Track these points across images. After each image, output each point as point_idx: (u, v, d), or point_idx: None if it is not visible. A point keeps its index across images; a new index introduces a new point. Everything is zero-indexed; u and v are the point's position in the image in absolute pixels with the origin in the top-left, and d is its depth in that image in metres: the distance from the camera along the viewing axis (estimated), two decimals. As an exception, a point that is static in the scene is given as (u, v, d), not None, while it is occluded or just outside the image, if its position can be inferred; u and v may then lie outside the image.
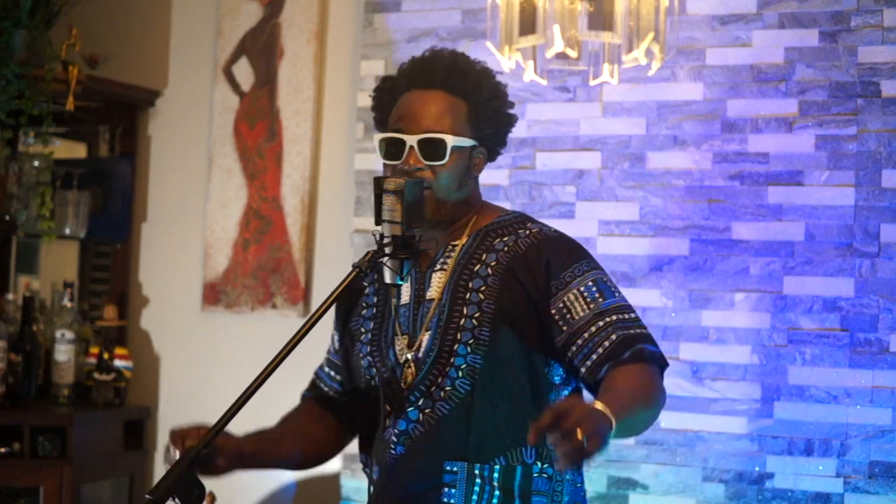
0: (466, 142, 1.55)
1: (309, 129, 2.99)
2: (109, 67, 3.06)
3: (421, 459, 1.50)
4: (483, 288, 1.53)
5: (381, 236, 1.47)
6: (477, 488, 1.49)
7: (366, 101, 2.99)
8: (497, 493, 1.49)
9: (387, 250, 1.46)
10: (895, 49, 2.46)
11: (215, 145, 3.10)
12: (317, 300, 2.97)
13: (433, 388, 1.51)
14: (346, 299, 1.63)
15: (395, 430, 1.52)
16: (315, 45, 3.00)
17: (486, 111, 1.57)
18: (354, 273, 1.47)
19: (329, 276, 2.98)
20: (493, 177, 2.75)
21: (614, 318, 1.50)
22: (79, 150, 3.26)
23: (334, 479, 2.89)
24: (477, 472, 1.49)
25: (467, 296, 1.52)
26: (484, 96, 1.57)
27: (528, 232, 1.57)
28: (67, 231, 3.03)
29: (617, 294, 1.54)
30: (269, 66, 3.04)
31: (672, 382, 2.58)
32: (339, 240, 2.95)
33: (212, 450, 1.42)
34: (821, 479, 2.45)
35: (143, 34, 3.21)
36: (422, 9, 2.86)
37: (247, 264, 3.03)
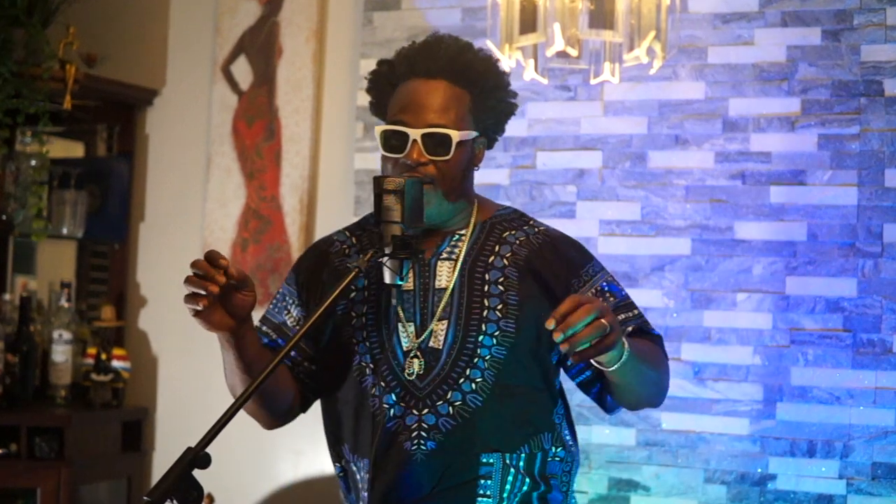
0: (470, 134, 1.54)
1: (308, 128, 2.98)
2: (107, 66, 3.04)
3: (456, 453, 1.49)
4: (502, 280, 1.53)
5: (381, 236, 1.45)
6: (510, 477, 1.50)
7: (365, 100, 2.97)
8: (527, 480, 1.51)
9: (386, 250, 1.44)
10: (898, 48, 2.45)
11: (214, 144, 3.09)
12: (316, 300, 2.95)
13: (462, 381, 1.49)
14: (322, 273, 1.55)
15: (422, 425, 1.48)
16: (314, 44, 2.98)
17: (490, 101, 1.55)
18: (354, 273, 1.45)
19: (328, 276, 2.96)
20: (493, 176, 2.74)
21: (624, 315, 1.55)
22: (76, 150, 3.25)
23: (334, 480, 2.87)
24: (509, 461, 1.50)
25: (486, 287, 1.52)
26: (488, 86, 1.55)
27: (535, 230, 1.59)
28: (65, 231, 3.03)
29: (623, 292, 1.60)
30: (267, 64, 3.02)
31: (673, 383, 2.52)
32: (339, 240, 2.94)
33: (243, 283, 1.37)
34: (823, 480, 2.44)
35: (141, 33, 3.20)
36: (422, 7, 2.84)
37: (245, 264, 3.02)
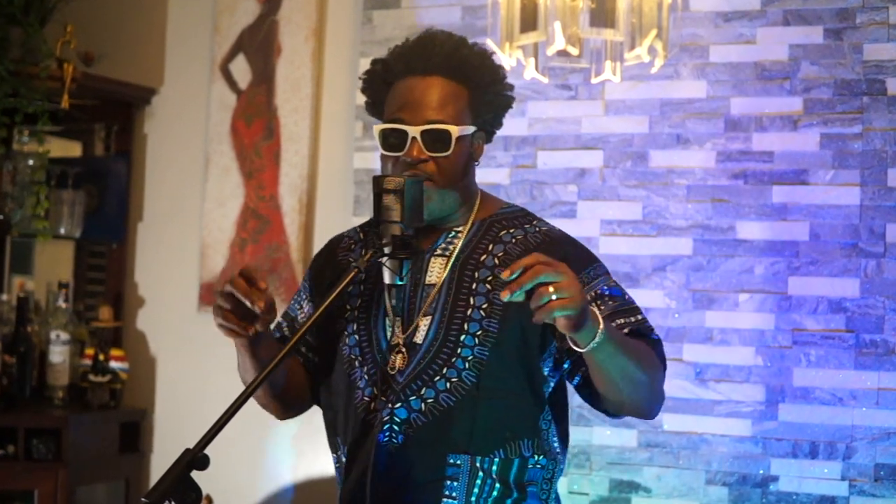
0: (468, 129, 1.53)
1: (307, 127, 2.97)
2: (105, 65, 3.04)
3: (423, 450, 1.48)
4: (490, 279, 1.51)
5: (381, 236, 1.44)
6: (479, 481, 1.47)
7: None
8: (497, 485, 1.48)
9: (386, 250, 1.43)
10: (901, 46, 2.44)
11: (212, 144, 3.07)
12: (315, 301, 2.94)
13: (438, 379, 1.48)
14: (327, 270, 1.59)
15: (394, 418, 1.49)
16: (313, 43, 2.97)
17: (487, 96, 1.55)
18: (353, 273, 1.44)
19: (327, 276, 2.95)
20: (493, 175, 2.73)
21: (623, 320, 1.50)
22: (74, 149, 3.25)
23: (333, 481, 2.86)
24: (479, 464, 1.47)
25: (474, 286, 1.50)
26: (485, 81, 1.54)
27: (536, 229, 1.56)
28: (62, 231, 3.03)
29: (627, 296, 1.54)
30: (266, 63, 3.01)
31: (675, 384, 2.56)
32: (338, 240, 2.92)
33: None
34: (826, 482, 2.43)
35: (139, 31, 3.19)
36: (421, 5, 2.83)
37: (244, 264, 2.99)
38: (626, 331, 1.48)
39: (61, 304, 2.97)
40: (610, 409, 1.51)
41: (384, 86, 1.55)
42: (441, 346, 1.49)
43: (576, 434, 2.56)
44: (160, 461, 3.05)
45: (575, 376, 1.52)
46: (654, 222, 2.62)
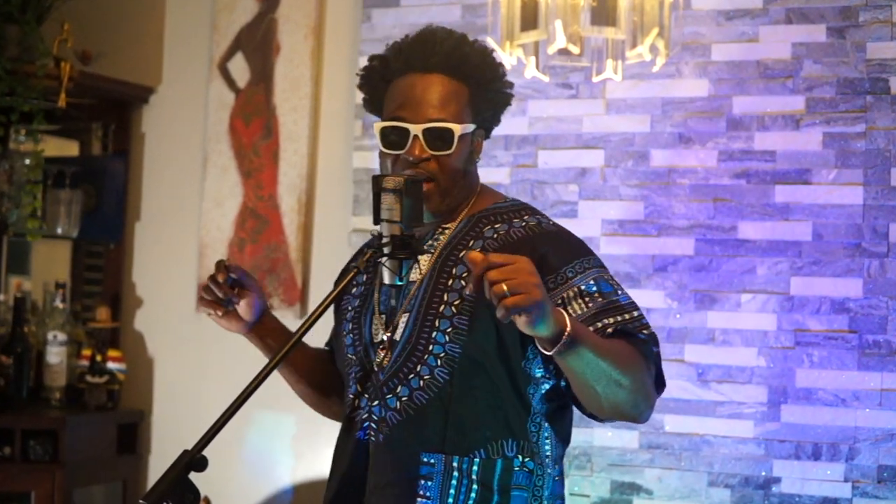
0: (469, 127, 1.52)
1: (306, 126, 2.95)
2: (102, 63, 3.03)
3: (398, 449, 1.46)
4: (466, 275, 1.47)
5: (380, 236, 1.44)
6: (454, 482, 1.44)
7: (364, 97, 2.97)
8: (475, 487, 1.44)
9: (385, 250, 1.42)
10: (905, 45, 2.43)
11: (210, 143, 3.06)
12: (314, 301, 2.93)
13: (411, 377, 1.47)
14: (347, 290, 1.61)
15: (373, 417, 1.48)
16: (312, 41, 2.96)
17: (487, 94, 1.54)
18: (353, 273, 1.45)
19: (327, 276, 2.93)
20: (494, 175, 2.72)
21: (612, 319, 1.43)
22: (71, 148, 3.24)
23: (332, 484, 2.84)
24: (455, 464, 1.45)
25: (450, 282, 1.48)
26: (485, 79, 1.53)
27: (523, 223, 1.52)
28: (59, 231, 3.02)
29: (620, 292, 1.47)
30: (265, 62, 3.00)
31: (677, 385, 2.54)
32: (337, 239, 2.92)
33: (254, 288, 1.54)
34: (829, 483, 2.42)
35: (137, 30, 3.18)
36: (421, 4, 2.82)
37: (243, 264, 2.98)
38: (609, 331, 1.41)
39: (58, 304, 2.96)
40: (591, 412, 1.45)
41: (382, 83, 1.54)
42: (415, 343, 1.47)
43: (577, 435, 2.54)
44: (158, 463, 3.04)
45: (562, 378, 1.46)
46: (656, 222, 2.60)
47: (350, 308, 1.56)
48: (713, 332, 2.55)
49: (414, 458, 1.45)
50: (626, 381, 1.36)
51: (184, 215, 3.11)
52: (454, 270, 1.48)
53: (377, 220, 1.43)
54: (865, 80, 2.46)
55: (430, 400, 1.45)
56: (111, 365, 2.98)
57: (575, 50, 2.25)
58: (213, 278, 1.52)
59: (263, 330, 1.58)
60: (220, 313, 1.53)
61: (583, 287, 1.44)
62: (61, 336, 2.94)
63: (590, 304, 1.43)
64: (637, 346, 1.42)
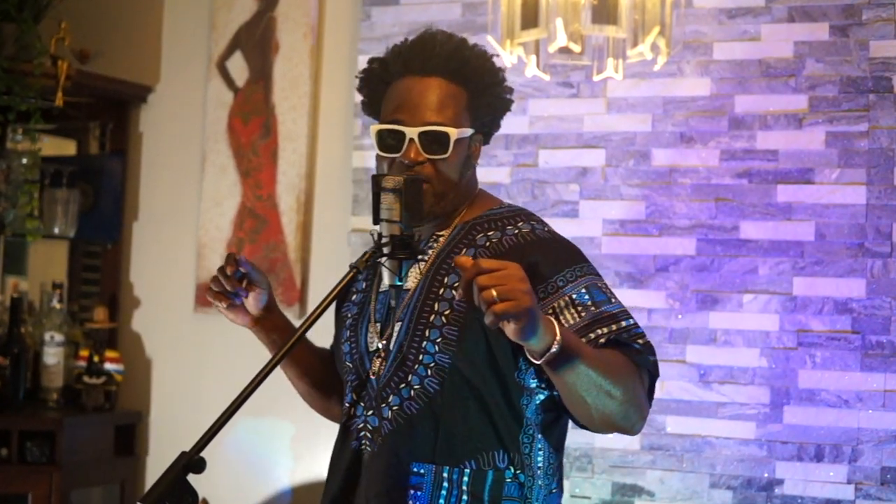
0: (467, 132, 1.51)
1: (305, 125, 2.94)
2: (100, 62, 3.03)
3: (389, 459, 1.45)
4: (457, 284, 1.46)
5: (380, 236, 1.42)
6: (444, 493, 1.43)
7: (363, 96, 2.96)
8: (465, 498, 1.43)
9: (385, 250, 1.41)
10: (908, 43, 2.42)
11: (209, 142, 3.04)
12: (313, 301, 2.92)
13: (402, 386, 1.46)
14: (347, 290, 1.60)
15: (368, 426, 1.48)
16: (311, 40, 2.94)
17: (486, 98, 1.52)
18: (352, 274, 1.43)
19: (326, 276, 2.92)
20: (494, 174, 2.70)
21: (605, 329, 1.40)
22: (68, 148, 3.23)
23: (331, 486, 2.83)
24: (445, 475, 1.43)
25: (441, 291, 1.47)
26: (484, 83, 1.52)
27: (516, 230, 1.50)
28: (56, 230, 3.01)
29: (613, 300, 1.44)
30: (264, 60, 2.98)
31: (678, 386, 2.53)
32: (336, 239, 2.90)
33: (261, 282, 1.54)
34: (831, 485, 2.41)
35: (135, 28, 3.17)
36: (421, 2, 2.81)
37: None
38: (602, 341, 1.39)
39: (55, 304, 2.96)
40: (582, 424, 1.43)
41: (382, 85, 1.53)
42: (406, 352, 1.46)
43: (578, 437, 2.53)
44: (156, 464, 3.03)
45: (555, 388, 1.43)
46: (657, 222, 2.59)
47: (349, 315, 1.56)
48: (715, 333, 2.53)
49: (404, 467, 1.44)
50: (616, 391, 1.34)
51: (182, 215, 3.09)
52: (445, 279, 1.47)
53: (376, 220, 1.42)
54: (868, 78, 2.45)
55: (421, 410, 1.44)
56: (109, 366, 2.97)
57: (576, 48, 2.23)
58: (222, 270, 1.51)
59: (269, 325, 1.57)
60: (225, 305, 1.53)
61: (574, 296, 1.41)
62: (58, 337, 2.93)
63: (582, 314, 1.41)
64: (630, 356, 1.40)
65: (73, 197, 3.01)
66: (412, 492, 1.43)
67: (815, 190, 2.48)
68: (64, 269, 3.16)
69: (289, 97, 2.96)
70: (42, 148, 2.92)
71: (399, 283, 1.44)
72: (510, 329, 1.25)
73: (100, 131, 3.14)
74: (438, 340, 1.44)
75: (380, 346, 1.48)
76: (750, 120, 2.54)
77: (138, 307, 3.15)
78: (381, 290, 1.52)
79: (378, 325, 1.50)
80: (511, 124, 2.69)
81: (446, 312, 1.45)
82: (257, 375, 1.35)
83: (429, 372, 1.44)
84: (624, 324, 1.42)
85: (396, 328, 1.48)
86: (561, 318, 1.41)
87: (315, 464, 2.88)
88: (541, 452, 1.48)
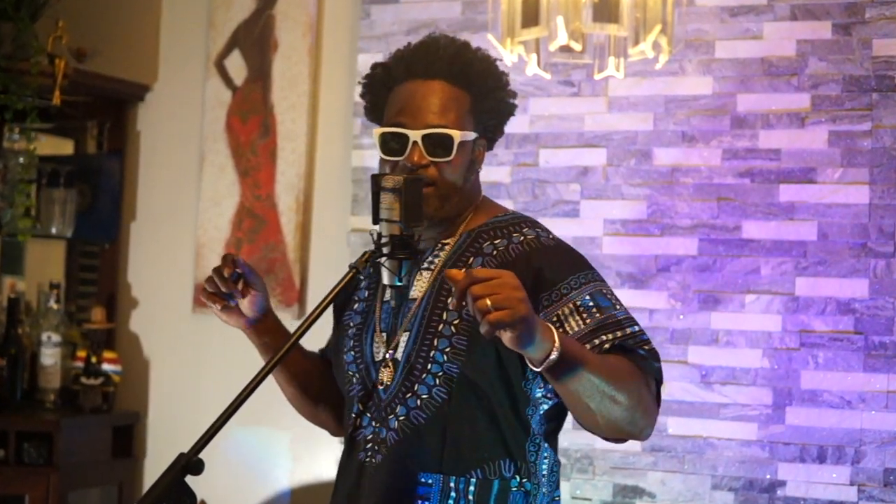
0: (470, 135, 1.51)
1: (304, 124, 2.92)
2: (97, 61, 3.02)
3: (396, 469, 1.45)
4: None
5: (379, 236, 1.42)
6: (451, 502, 1.44)
7: (363, 95, 2.94)
8: None
9: (385, 250, 1.41)
10: (911, 42, 2.40)
11: (207, 141, 3.03)
12: (312, 302, 2.90)
13: (409, 396, 1.46)
14: (346, 291, 1.58)
15: (375, 437, 1.47)
16: (310, 38, 2.93)
17: (489, 102, 1.52)
18: (351, 274, 1.43)
19: (325, 276, 2.91)
20: (494, 174, 2.69)
21: (610, 335, 1.40)
22: (65, 147, 3.22)
23: (329, 487, 2.81)
24: (452, 485, 1.43)
25: (449, 300, 1.45)
26: (487, 87, 1.52)
27: (522, 238, 1.49)
28: (54, 230, 3.00)
29: (618, 307, 1.44)
30: (262, 59, 2.97)
31: (680, 387, 2.52)
32: (336, 239, 2.89)
33: (256, 285, 1.51)
34: (834, 487, 2.40)
35: (133, 26, 3.16)
36: (421, 0, 2.78)
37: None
38: (607, 346, 1.39)
39: (53, 305, 2.95)
40: (588, 430, 1.42)
41: (384, 90, 1.53)
42: (414, 362, 1.46)
43: (579, 438, 2.52)
44: (154, 466, 3.02)
45: (559, 397, 1.43)
46: (659, 222, 2.58)
47: (352, 324, 1.55)
48: (717, 334, 2.52)
49: (411, 478, 1.43)
50: (621, 396, 1.33)
51: (180, 215, 3.08)
52: (453, 288, 1.45)
53: (376, 220, 1.41)
54: (871, 77, 2.43)
55: (428, 419, 1.44)
56: (106, 366, 2.96)
57: (577, 47, 2.22)
58: (218, 271, 1.50)
59: (263, 328, 1.55)
60: (219, 307, 1.51)
61: (579, 303, 1.41)
62: (56, 337, 2.92)
63: (587, 321, 1.40)
64: (636, 361, 1.39)
65: (71, 196, 3.00)
66: (419, 502, 1.43)
67: (817, 189, 2.47)
68: (61, 269, 3.15)
69: (288, 96, 2.95)
70: (39, 147, 2.91)
71: (399, 283, 1.43)
72: (507, 337, 1.24)
73: (97, 130, 3.13)
74: (447, 350, 1.44)
75: (386, 356, 1.48)
76: (752, 119, 2.52)
77: (136, 307, 3.13)
78: (384, 299, 1.51)
79: (384, 334, 1.49)
80: (511, 123, 2.64)
81: (455, 322, 1.45)
82: (256, 376, 1.34)
83: (437, 381, 1.44)
84: (629, 330, 1.41)
85: (404, 338, 1.47)
86: (566, 324, 1.40)
87: (314, 465, 2.87)
88: (546, 460, 1.48)
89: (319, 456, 2.83)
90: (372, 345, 1.51)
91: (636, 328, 1.42)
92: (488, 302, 1.21)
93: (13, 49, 2.78)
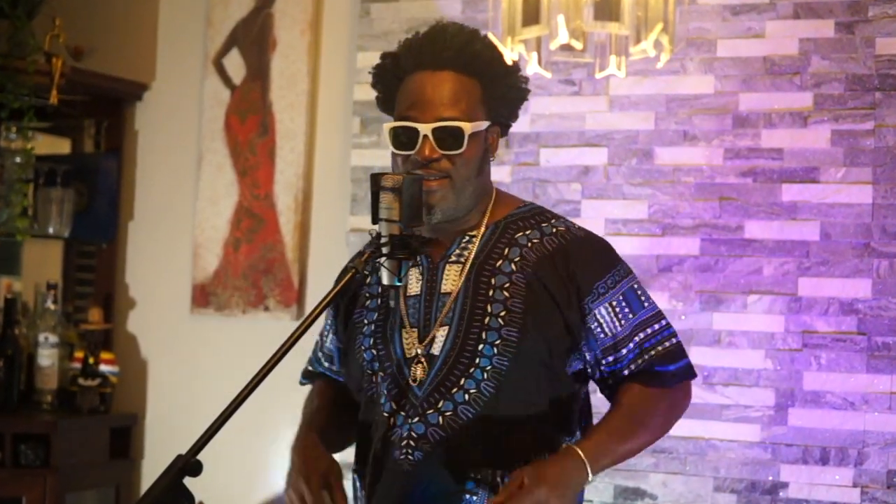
0: (482, 125, 1.50)
1: (303, 123, 2.91)
2: (95, 59, 3.02)
3: (443, 465, 1.45)
4: (507, 285, 1.48)
5: (378, 235, 1.41)
6: None
7: (363, 94, 2.92)
8: None
9: (384, 250, 1.40)
10: (914, 40, 2.39)
11: (205, 140, 3.02)
12: (311, 302, 2.90)
13: (455, 391, 1.45)
14: (346, 291, 1.57)
15: (412, 434, 1.45)
16: (309, 36, 2.92)
17: (500, 89, 1.52)
18: (350, 274, 1.42)
19: (324, 277, 2.89)
20: (495, 173, 2.64)
21: (641, 335, 1.50)
22: (62, 146, 3.22)
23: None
24: (499, 479, 1.45)
25: (491, 293, 1.47)
26: (498, 74, 1.51)
27: (553, 229, 1.52)
28: (51, 230, 3.00)
29: (647, 303, 1.53)
30: (261, 57, 2.96)
31: (682, 388, 2.50)
32: (335, 239, 2.88)
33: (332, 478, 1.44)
34: (837, 488, 2.40)
35: (130, 24, 3.15)
36: (420, -2, 2.78)
37: (238, 265, 2.95)
38: (639, 361, 1.49)
39: (50, 305, 2.94)
40: None
41: (395, 80, 1.53)
42: (458, 356, 1.46)
43: (579, 439, 2.51)
44: (151, 467, 3.01)
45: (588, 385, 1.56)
46: (661, 221, 2.56)
47: (367, 321, 1.53)
48: (719, 334, 2.51)
49: (460, 473, 1.44)
50: (646, 436, 1.51)
51: (178, 214, 3.07)
52: (493, 281, 1.48)
53: (375, 220, 1.41)
54: (874, 76, 2.43)
55: (477, 414, 1.44)
56: (104, 367, 2.95)
57: (578, 45, 2.21)
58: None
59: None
60: None
61: (615, 303, 1.49)
62: (53, 338, 2.91)
63: (622, 322, 1.49)
64: (654, 386, 1.49)
65: (68, 196, 2.99)
66: (467, 496, 1.44)
67: (820, 189, 2.46)
68: (58, 269, 3.14)
69: (286, 95, 2.94)
70: (36, 146, 2.90)
71: (398, 284, 1.42)
72: None
73: (95, 129, 3.13)
74: (497, 343, 1.45)
75: (419, 352, 1.47)
76: (754, 118, 2.51)
77: (134, 308, 3.12)
78: (408, 294, 1.50)
79: (415, 330, 1.48)
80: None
81: (501, 314, 1.46)
82: (255, 377, 1.33)
83: (485, 375, 1.45)
84: (669, 344, 1.51)
85: (441, 333, 1.47)
86: (603, 324, 1.49)
87: (313, 467, 2.85)
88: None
89: (318, 457, 2.82)
90: (401, 341, 1.49)
91: (662, 324, 1.52)
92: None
93: (10, 47, 2.78)
